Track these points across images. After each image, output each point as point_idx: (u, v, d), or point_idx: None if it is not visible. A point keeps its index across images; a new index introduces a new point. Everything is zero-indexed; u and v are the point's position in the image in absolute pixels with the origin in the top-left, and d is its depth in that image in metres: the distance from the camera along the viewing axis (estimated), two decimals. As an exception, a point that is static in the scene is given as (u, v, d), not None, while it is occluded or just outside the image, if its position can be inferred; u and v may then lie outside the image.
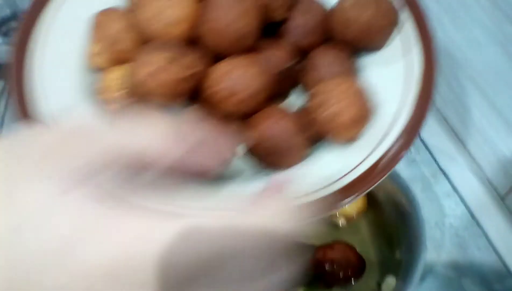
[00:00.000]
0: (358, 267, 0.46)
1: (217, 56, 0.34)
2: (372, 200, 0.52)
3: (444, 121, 0.63)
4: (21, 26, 0.38)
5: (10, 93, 0.36)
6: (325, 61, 0.36)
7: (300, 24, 0.37)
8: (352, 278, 0.46)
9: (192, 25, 0.35)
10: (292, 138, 0.33)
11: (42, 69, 0.37)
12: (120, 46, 0.37)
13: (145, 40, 0.36)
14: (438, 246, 0.53)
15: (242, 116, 0.34)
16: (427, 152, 0.61)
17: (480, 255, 0.53)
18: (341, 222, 0.52)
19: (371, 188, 0.31)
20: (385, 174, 0.31)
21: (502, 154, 0.55)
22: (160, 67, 0.32)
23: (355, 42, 0.37)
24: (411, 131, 0.33)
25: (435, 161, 0.60)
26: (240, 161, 0.34)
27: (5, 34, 0.72)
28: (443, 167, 0.60)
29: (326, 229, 0.51)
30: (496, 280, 0.52)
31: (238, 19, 0.33)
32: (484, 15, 0.53)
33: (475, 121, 0.58)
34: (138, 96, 0.34)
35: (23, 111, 0.34)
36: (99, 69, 0.38)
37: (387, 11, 0.36)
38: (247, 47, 0.34)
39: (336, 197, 0.31)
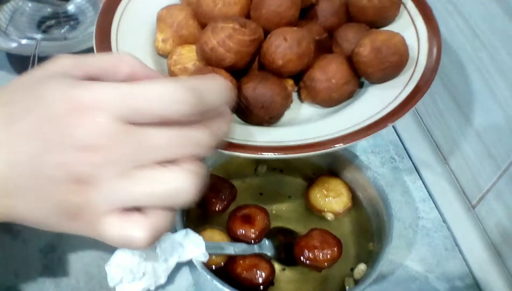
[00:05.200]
0: (337, 245, 0.53)
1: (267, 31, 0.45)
2: (355, 200, 0.59)
3: (428, 134, 0.70)
4: (98, 21, 0.47)
5: None
6: (347, 37, 0.47)
7: (325, 8, 0.48)
8: (334, 257, 0.53)
9: (245, 6, 0.45)
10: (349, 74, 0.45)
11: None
12: (184, 31, 0.47)
13: (206, 23, 0.45)
14: (409, 244, 0.60)
15: (294, 72, 0.44)
16: (410, 161, 0.68)
17: (446, 254, 0.59)
18: (330, 216, 0.59)
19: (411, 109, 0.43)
20: (421, 96, 0.44)
21: (475, 167, 0.61)
22: (230, 34, 0.41)
23: (370, 23, 0.48)
24: (432, 71, 0.46)
25: (416, 169, 0.67)
26: None
27: (45, 31, 0.79)
28: (422, 175, 0.66)
29: (317, 222, 0.58)
30: (458, 277, 0.58)
31: (288, 10, 0.44)
32: (466, 41, 0.60)
33: (454, 136, 0.65)
34: (210, 62, 0.43)
35: None
36: (165, 54, 0.47)
37: None
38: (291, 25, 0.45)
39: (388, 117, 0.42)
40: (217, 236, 0.54)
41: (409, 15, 0.50)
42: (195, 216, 0.56)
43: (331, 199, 0.58)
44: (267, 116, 0.43)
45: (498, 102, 0.56)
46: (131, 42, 0.47)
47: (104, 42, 0.46)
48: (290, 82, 0.46)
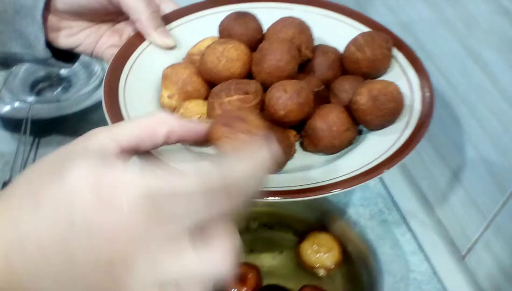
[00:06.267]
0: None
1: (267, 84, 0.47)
2: (346, 255, 0.59)
3: (415, 186, 0.71)
4: (106, 79, 0.50)
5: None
6: (344, 88, 0.50)
7: (321, 63, 0.51)
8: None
9: (246, 61, 0.49)
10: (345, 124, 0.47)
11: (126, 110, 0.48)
12: (189, 87, 0.49)
13: (210, 79, 0.49)
14: (402, 297, 0.60)
15: (296, 122, 0.46)
16: (398, 213, 0.68)
17: (439, 307, 0.60)
18: (321, 272, 0.59)
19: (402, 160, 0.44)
20: (412, 149, 0.45)
21: (463, 218, 0.62)
22: (238, 106, 0.44)
23: (364, 74, 0.50)
24: (427, 115, 0.47)
25: (405, 221, 0.67)
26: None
27: (38, 94, 0.81)
28: (411, 227, 0.66)
29: (309, 278, 0.58)
30: (452, 329, 0.59)
31: (287, 64, 0.47)
32: (446, 96, 0.62)
33: (440, 188, 0.66)
34: None
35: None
36: (171, 109, 0.50)
37: (381, 48, 0.50)
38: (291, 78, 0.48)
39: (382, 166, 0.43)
40: (209, 295, 0.54)
41: (400, 66, 0.53)
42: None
43: (322, 254, 0.59)
44: None
45: (480, 154, 0.58)
46: (138, 99, 0.49)
47: (112, 100, 0.48)
48: (293, 133, 0.48)
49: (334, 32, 0.56)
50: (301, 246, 0.60)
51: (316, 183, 0.42)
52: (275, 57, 0.47)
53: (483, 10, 0.54)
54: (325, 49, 0.52)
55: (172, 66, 0.51)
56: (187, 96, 0.49)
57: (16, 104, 0.77)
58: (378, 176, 0.43)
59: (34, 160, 0.73)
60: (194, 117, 0.47)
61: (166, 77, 0.50)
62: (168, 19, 0.57)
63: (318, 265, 0.58)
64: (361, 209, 0.68)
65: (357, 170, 0.43)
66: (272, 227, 0.62)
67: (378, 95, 0.46)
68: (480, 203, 0.59)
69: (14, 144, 0.73)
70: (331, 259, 0.59)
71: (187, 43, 0.55)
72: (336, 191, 0.41)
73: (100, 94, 0.78)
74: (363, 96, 0.46)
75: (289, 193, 0.41)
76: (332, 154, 0.47)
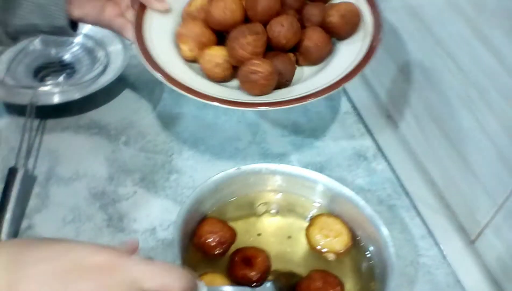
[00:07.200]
0: (339, 286, 0.53)
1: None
2: (355, 239, 0.59)
3: (424, 171, 0.71)
4: (138, 45, 0.65)
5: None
6: (313, 13, 0.68)
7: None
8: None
9: (243, 10, 0.64)
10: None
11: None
12: (203, 39, 0.65)
13: (219, 28, 0.65)
14: (411, 282, 0.59)
15: (293, 45, 0.65)
16: (407, 199, 0.68)
17: (448, 291, 0.60)
18: (331, 256, 0.59)
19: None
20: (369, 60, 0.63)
21: (472, 203, 0.62)
22: (256, 44, 0.61)
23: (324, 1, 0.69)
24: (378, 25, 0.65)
25: (414, 206, 0.67)
26: None
27: (42, 80, 0.80)
28: (420, 211, 0.66)
29: (318, 262, 0.58)
30: (462, 313, 0.58)
31: (274, 4, 0.64)
32: (454, 80, 0.62)
33: (449, 172, 0.65)
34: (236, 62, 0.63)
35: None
36: (192, 60, 0.65)
37: None
38: (277, 14, 0.65)
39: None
40: (218, 280, 0.54)
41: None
42: (195, 261, 0.56)
43: (332, 239, 0.58)
44: (283, 80, 0.63)
45: (490, 139, 0.57)
46: (165, 55, 0.64)
47: (148, 58, 0.63)
48: (291, 54, 0.66)
49: None
50: (309, 230, 0.59)
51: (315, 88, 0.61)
52: (264, 1, 0.63)
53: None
54: None
55: (182, 25, 0.66)
56: (203, 45, 0.64)
57: (20, 90, 0.77)
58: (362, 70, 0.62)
59: (39, 146, 0.73)
60: (220, 60, 0.63)
61: (181, 35, 0.65)
62: None
63: (327, 249, 0.58)
64: (369, 194, 0.68)
65: (340, 73, 0.61)
66: (280, 212, 0.62)
67: (345, 13, 0.65)
68: (490, 188, 0.58)
69: (19, 130, 0.72)
70: (341, 244, 0.58)
71: (178, 5, 0.69)
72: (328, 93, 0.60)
73: (104, 81, 0.78)
74: (335, 16, 0.65)
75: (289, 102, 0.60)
76: (321, 63, 0.66)
